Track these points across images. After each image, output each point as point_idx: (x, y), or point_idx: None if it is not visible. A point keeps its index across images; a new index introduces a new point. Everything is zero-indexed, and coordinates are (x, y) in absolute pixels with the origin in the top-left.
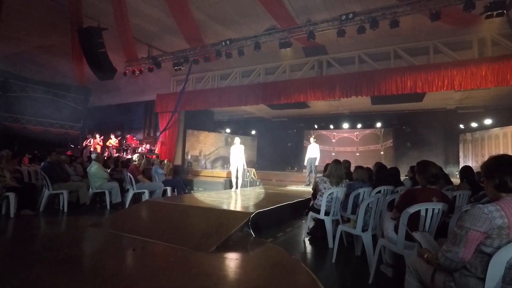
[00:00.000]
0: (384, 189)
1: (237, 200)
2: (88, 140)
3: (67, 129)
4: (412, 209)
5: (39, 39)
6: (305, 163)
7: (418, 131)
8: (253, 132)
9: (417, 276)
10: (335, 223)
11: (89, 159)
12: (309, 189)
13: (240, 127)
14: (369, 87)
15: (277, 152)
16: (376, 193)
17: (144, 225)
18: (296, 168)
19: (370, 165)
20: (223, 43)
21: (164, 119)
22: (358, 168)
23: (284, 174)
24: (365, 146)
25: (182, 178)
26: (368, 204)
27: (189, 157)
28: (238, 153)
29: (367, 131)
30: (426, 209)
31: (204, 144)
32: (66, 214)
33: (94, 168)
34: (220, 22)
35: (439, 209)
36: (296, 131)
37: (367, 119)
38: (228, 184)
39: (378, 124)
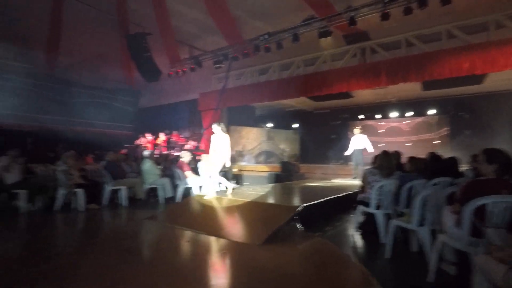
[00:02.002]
0: (441, 181)
1: (283, 194)
2: (139, 140)
3: (121, 130)
4: (477, 203)
5: (93, 48)
6: (346, 154)
7: (479, 117)
8: (295, 125)
9: (487, 275)
10: (387, 217)
11: (142, 157)
12: (357, 182)
13: (282, 121)
14: (418, 71)
15: (320, 144)
16: (433, 185)
17: (195, 219)
18: (341, 161)
19: (423, 155)
20: (261, 38)
21: (207, 116)
22: (412, 159)
23: (329, 167)
24: (417, 135)
25: (226, 173)
26: (424, 197)
27: (233, 152)
28: (220, 145)
29: (419, 119)
30: (495, 203)
31: (247, 139)
32: (125, 208)
33: (146, 165)
34: (257, 17)
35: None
36: (340, 123)
37: (418, 106)
38: (273, 178)
39: (431, 111)
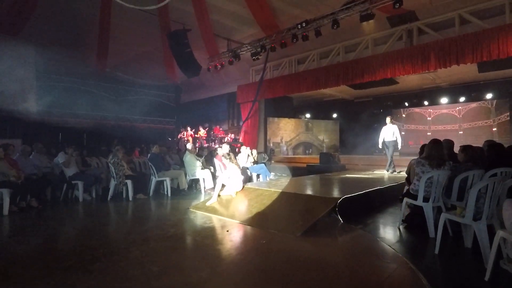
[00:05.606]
0: (501, 172)
1: (323, 185)
2: (181, 133)
3: (164, 124)
4: None
5: (138, 48)
6: (380, 146)
7: None
8: (335, 115)
9: None
10: (436, 210)
11: (184, 150)
12: (400, 175)
13: (321, 111)
14: (475, 52)
15: (362, 135)
16: (490, 176)
17: (235, 209)
18: (384, 152)
19: (478, 144)
20: (299, 26)
21: (245, 109)
22: (467, 147)
23: (371, 158)
24: (471, 122)
25: (265, 164)
26: (480, 189)
27: (271, 144)
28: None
29: (473, 104)
30: None
31: (285, 131)
32: (170, 198)
33: (187, 157)
34: (294, 4)
35: None
36: (383, 111)
37: (473, 90)
38: (312, 170)
39: (489, 95)
